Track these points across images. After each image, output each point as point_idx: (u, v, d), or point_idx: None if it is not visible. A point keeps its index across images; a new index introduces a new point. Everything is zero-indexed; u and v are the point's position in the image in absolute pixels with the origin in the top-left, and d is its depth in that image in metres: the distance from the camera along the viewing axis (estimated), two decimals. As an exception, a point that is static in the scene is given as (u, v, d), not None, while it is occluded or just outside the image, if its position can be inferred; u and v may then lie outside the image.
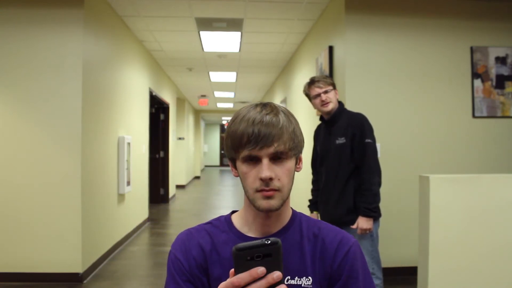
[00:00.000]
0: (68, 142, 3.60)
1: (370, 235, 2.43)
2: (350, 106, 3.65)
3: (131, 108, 5.30)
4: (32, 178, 3.58)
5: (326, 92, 2.48)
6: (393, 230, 3.62)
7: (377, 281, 2.44)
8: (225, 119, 19.67)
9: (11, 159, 3.59)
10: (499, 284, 2.39)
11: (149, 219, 6.56)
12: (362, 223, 2.37)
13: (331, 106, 2.49)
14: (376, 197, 2.41)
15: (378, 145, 3.67)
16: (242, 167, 0.92)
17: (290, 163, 0.93)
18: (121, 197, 4.87)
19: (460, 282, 2.39)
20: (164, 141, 8.51)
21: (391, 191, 3.65)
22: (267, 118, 0.90)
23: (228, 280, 0.70)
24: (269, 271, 0.68)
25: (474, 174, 2.79)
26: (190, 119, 13.64)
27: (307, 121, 4.96)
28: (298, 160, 0.98)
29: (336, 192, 2.47)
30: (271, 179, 0.89)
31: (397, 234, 3.67)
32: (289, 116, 0.94)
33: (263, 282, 0.70)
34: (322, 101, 2.48)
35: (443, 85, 3.82)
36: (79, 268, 3.60)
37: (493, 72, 3.84)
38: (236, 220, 1.01)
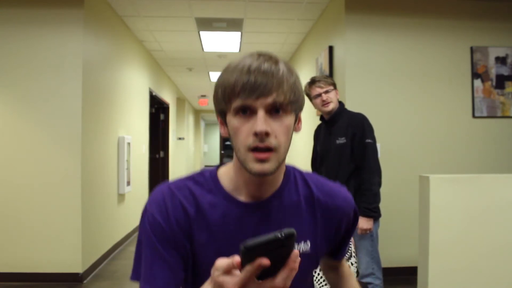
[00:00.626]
0: (68, 142, 3.60)
1: (370, 235, 2.43)
2: (350, 106, 3.64)
3: (131, 108, 5.30)
4: (32, 178, 3.58)
5: (327, 92, 2.48)
6: (393, 230, 3.62)
7: (377, 281, 2.44)
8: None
9: (11, 159, 3.59)
10: (499, 284, 2.39)
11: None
12: (362, 223, 2.37)
13: (332, 106, 2.49)
14: (376, 197, 2.41)
15: (378, 145, 3.66)
16: (234, 120, 0.79)
17: (289, 120, 0.81)
18: (121, 197, 4.87)
19: (460, 282, 2.38)
20: (164, 141, 8.50)
21: (391, 191, 3.65)
22: (266, 65, 0.77)
23: (243, 273, 0.60)
24: (281, 259, 0.61)
25: (474, 174, 2.79)
26: (190, 119, 13.64)
27: (307, 121, 4.96)
28: (298, 120, 0.86)
29: None
30: (267, 134, 0.76)
31: (397, 234, 3.67)
32: (290, 67, 0.83)
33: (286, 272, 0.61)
34: (323, 101, 2.48)
35: (443, 85, 3.82)
36: (79, 268, 3.60)
37: (493, 72, 3.84)
38: (224, 179, 0.88)
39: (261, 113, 0.76)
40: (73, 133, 3.61)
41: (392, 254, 3.62)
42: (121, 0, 4.27)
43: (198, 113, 16.47)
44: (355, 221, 0.98)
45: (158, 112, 8.32)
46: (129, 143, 4.97)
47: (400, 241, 3.66)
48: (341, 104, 2.57)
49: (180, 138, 11.03)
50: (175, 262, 0.83)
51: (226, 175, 0.89)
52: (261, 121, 0.76)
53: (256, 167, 0.77)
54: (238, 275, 0.61)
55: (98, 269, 4.01)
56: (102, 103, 4.21)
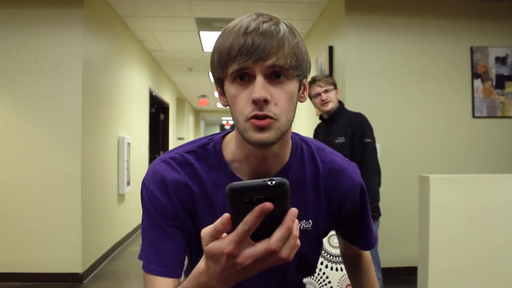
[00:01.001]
0: (68, 142, 3.60)
1: None
2: (350, 106, 3.64)
3: (131, 108, 5.30)
4: (32, 178, 3.58)
5: (326, 91, 2.48)
6: (393, 230, 3.62)
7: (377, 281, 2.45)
8: (225, 119, 19.67)
9: (11, 159, 3.58)
10: (499, 284, 2.39)
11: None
12: None
13: (331, 105, 2.50)
14: (376, 197, 2.42)
15: (378, 145, 3.67)
16: (231, 88, 0.73)
17: (292, 86, 0.73)
18: (121, 197, 4.87)
19: (460, 282, 2.38)
20: (164, 141, 8.50)
21: (391, 191, 3.65)
22: (264, 26, 0.71)
23: (239, 229, 0.54)
24: (275, 219, 0.55)
25: (474, 174, 2.79)
26: (190, 119, 13.64)
27: (307, 121, 4.96)
28: (303, 87, 0.78)
29: None
30: (266, 101, 0.69)
31: (397, 234, 3.67)
32: (293, 28, 0.75)
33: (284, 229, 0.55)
34: (322, 100, 2.49)
35: (443, 85, 3.82)
36: (79, 268, 3.60)
37: (493, 72, 3.84)
38: (227, 152, 0.82)
39: (259, 79, 0.70)
40: (73, 133, 3.61)
41: (392, 254, 3.62)
42: (121, 0, 4.27)
43: (198, 113, 16.47)
44: (364, 200, 0.92)
45: (158, 112, 8.32)
46: (129, 143, 4.97)
47: (400, 241, 3.66)
48: (340, 103, 2.58)
49: (180, 138, 11.03)
50: (179, 237, 0.80)
51: (229, 147, 0.82)
52: (259, 87, 0.69)
53: (256, 136, 0.71)
54: (228, 237, 0.55)
55: (98, 269, 4.01)
56: (102, 103, 4.21)
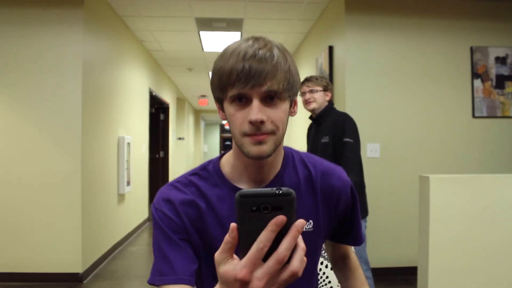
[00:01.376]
0: (68, 142, 3.60)
1: None
2: (350, 106, 3.65)
3: (131, 108, 5.30)
4: (32, 178, 3.58)
5: (311, 91, 2.57)
6: (393, 230, 3.62)
7: (367, 280, 2.45)
8: (225, 120, 19.66)
9: (11, 159, 3.58)
10: (499, 284, 2.39)
11: (149, 219, 6.55)
12: None
13: (313, 105, 2.58)
14: None
15: (378, 145, 3.68)
16: (230, 108, 0.82)
17: (284, 106, 0.82)
18: (121, 197, 4.87)
19: (460, 282, 2.38)
20: (164, 141, 8.50)
21: (391, 191, 3.65)
22: (260, 52, 0.78)
23: (253, 250, 0.54)
24: (282, 231, 0.55)
25: (474, 174, 2.79)
26: (190, 119, 13.64)
27: (307, 120, 4.96)
28: (293, 104, 0.88)
29: None
30: (262, 122, 0.78)
31: (397, 234, 3.67)
32: (285, 52, 0.83)
33: (289, 239, 0.55)
34: (306, 99, 2.58)
35: (443, 85, 3.82)
36: (79, 268, 3.60)
37: (493, 72, 3.84)
38: (226, 169, 0.90)
39: (256, 102, 0.78)
40: (73, 133, 3.61)
41: (392, 254, 3.62)
42: (121, 0, 4.27)
43: (198, 113, 16.47)
44: (355, 198, 0.99)
45: (158, 112, 8.32)
46: (129, 143, 4.97)
47: (400, 241, 3.66)
48: (330, 104, 2.64)
49: (180, 138, 11.03)
50: (189, 249, 0.85)
51: (228, 163, 0.90)
52: (256, 110, 0.77)
53: (254, 149, 0.80)
54: (241, 261, 0.55)
55: (98, 269, 4.01)
56: (102, 103, 4.21)
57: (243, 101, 0.80)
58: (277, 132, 0.81)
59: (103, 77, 4.25)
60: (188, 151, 12.75)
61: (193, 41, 5.82)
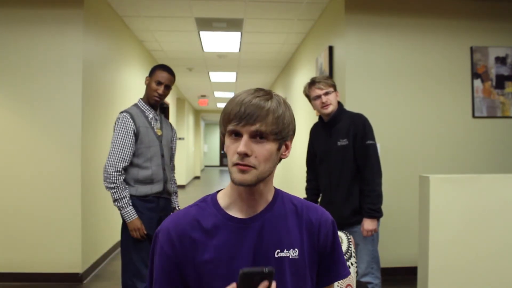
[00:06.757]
0: (68, 142, 3.60)
1: (372, 235, 2.43)
2: (350, 106, 3.64)
3: (131, 108, 5.30)
4: (32, 178, 3.58)
5: (326, 93, 2.44)
6: (393, 230, 3.62)
7: (376, 281, 2.44)
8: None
9: (11, 159, 3.58)
10: (499, 284, 2.39)
11: (149, 219, 6.54)
12: (368, 224, 2.35)
13: (331, 108, 2.45)
14: (380, 198, 2.41)
15: (378, 145, 3.67)
16: (227, 141, 0.98)
17: (271, 146, 0.96)
18: (121, 197, 4.86)
19: (460, 282, 2.39)
20: (164, 141, 8.49)
21: (391, 191, 3.65)
22: (256, 100, 0.95)
23: None
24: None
25: (474, 174, 2.79)
26: (190, 119, 13.64)
27: (307, 120, 4.96)
28: (285, 147, 1.02)
29: (341, 194, 2.44)
30: (246, 154, 0.93)
31: (397, 234, 3.67)
32: (283, 104, 0.98)
33: None
34: (323, 103, 2.44)
35: (443, 85, 3.82)
36: (79, 268, 3.60)
37: (493, 72, 3.84)
38: (222, 200, 1.04)
39: (245, 137, 0.94)
40: (73, 133, 3.61)
41: (392, 254, 3.62)
42: (121, 0, 4.27)
43: (198, 113, 16.47)
44: (335, 233, 1.09)
45: (158, 112, 8.31)
46: (129, 143, 4.95)
47: (400, 241, 3.66)
48: (340, 105, 2.53)
49: (180, 138, 11.03)
50: (181, 284, 1.00)
51: (224, 195, 1.05)
52: (243, 144, 0.93)
53: (238, 176, 0.95)
54: None
55: (98, 269, 4.01)
56: (102, 103, 4.21)
57: (236, 136, 0.96)
58: (259, 167, 0.95)
59: (103, 77, 4.25)
60: (188, 151, 12.75)
61: (193, 41, 5.82)
